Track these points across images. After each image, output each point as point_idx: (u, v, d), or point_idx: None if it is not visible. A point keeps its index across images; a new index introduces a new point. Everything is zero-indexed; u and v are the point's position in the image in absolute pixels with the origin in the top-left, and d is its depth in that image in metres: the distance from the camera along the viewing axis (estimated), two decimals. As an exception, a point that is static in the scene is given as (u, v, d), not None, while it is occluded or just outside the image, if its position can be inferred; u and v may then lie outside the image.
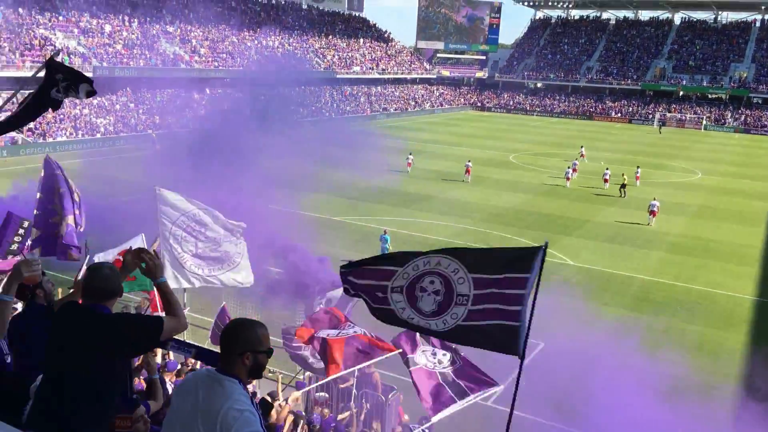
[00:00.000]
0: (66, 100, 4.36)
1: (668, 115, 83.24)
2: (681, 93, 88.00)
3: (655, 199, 30.53)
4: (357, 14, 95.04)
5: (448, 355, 9.88)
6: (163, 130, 42.87)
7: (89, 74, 37.13)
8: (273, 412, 7.56)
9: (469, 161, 39.13)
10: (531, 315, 4.85)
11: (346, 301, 13.10)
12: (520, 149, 53.10)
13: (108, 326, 3.62)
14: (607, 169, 38.98)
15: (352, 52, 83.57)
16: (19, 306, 6.35)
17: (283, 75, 60.06)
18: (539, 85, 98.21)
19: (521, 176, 40.59)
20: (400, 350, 9.90)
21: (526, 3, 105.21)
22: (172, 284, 11.42)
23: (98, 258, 11.02)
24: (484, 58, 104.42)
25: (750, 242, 27.62)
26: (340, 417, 10.11)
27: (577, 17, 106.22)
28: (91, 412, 3.56)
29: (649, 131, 75.51)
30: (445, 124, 72.00)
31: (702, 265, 24.27)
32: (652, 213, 29.88)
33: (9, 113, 4.48)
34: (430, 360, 9.81)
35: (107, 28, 54.33)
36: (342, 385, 10.98)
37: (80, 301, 3.89)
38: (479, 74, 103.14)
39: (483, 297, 4.75)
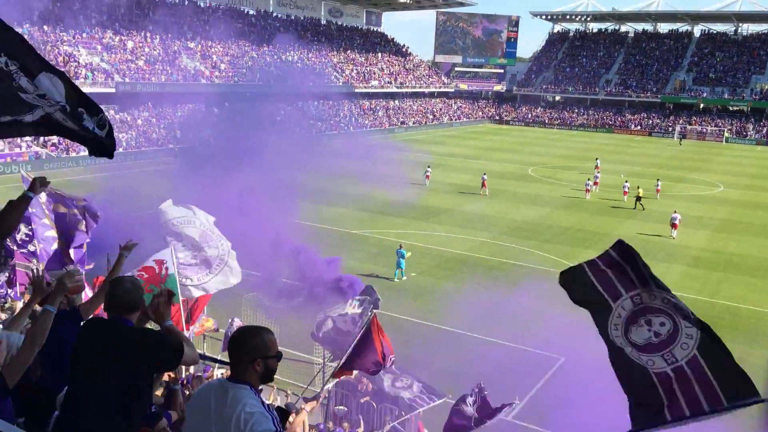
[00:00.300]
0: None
1: (689, 127, 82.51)
2: (701, 105, 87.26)
3: (676, 212, 30.31)
4: (375, 29, 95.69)
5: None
6: (184, 144, 43.36)
7: (111, 90, 37.75)
8: (290, 420, 7.55)
9: (485, 174, 39.10)
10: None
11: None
12: (539, 162, 52.91)
13: (129, 339, 3.66)
14: (626, 181, 38.73)
15: (371, 66, 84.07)
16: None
17: (302, 89, 60.61)
18: (558, 98, 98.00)
19: (540, 189, 40.41)
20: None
21: (543, 17, 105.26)
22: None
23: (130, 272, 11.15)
24: (502, 71, 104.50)
25: (774, 256, 27.20)
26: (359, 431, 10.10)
27: (595, 30, 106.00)
28: (116, 424, 3.60)
29: (669, 144, 74.91)
30: (463, 138, 72.01)
31: (725, 279, 23.95)
32: (673, 225, 29.70)
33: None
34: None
35: (130, 44, 55.24)
36: (362, 400, 10.97)
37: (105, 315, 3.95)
38: (497, 87, 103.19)
39: (683, 377, 4.39)
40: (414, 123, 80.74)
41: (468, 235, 28.16)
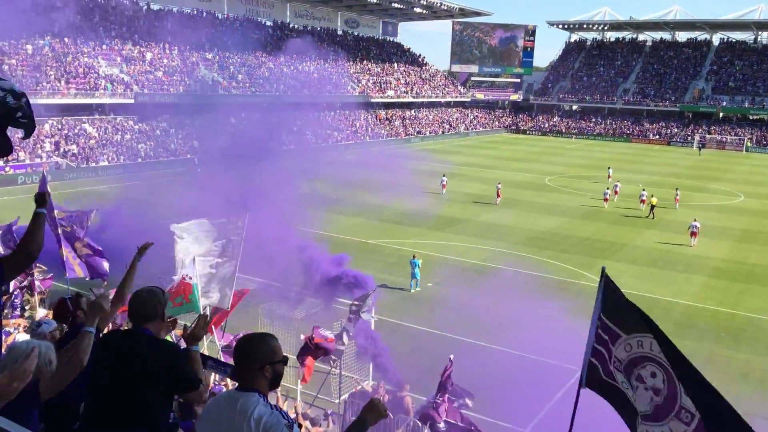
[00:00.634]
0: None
1: (708, 137, 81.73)
2: (721, 114, 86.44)
3: (695, 220, 30.02)
4: (391, 39, 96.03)
5: None
6: (203, 154, 43.72)
7: (130, 101, 38.20)
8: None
9: (499, 184, 38.94)
10: None
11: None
12: (556, 172, 52.64)
13: (145, 348, 3.66)
14: (643, 190, 38.40)
15: (387, 76, 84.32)
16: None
17: (318, 99, 60.87)
18: (575, 107, 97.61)
19: (557, 199, 40.17)
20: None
21: (560, 26, 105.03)
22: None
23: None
24: (518, 80, 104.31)
25: (797, 267, 26.77)
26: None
27: (612, 39, 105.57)
28: None
29: (688, 153, 74.25)
30: (479, 147, 71.89)
31: (746, 290, 23.58)
32: (693, 234, 29.43)
33: None
34: None
35: (148, 55, 55.88)
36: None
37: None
38: (514, 97, 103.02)
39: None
40: (430, 132, 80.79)
41: (484, 245, 28.02)
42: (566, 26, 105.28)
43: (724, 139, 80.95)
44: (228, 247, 11.88)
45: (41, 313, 14.15)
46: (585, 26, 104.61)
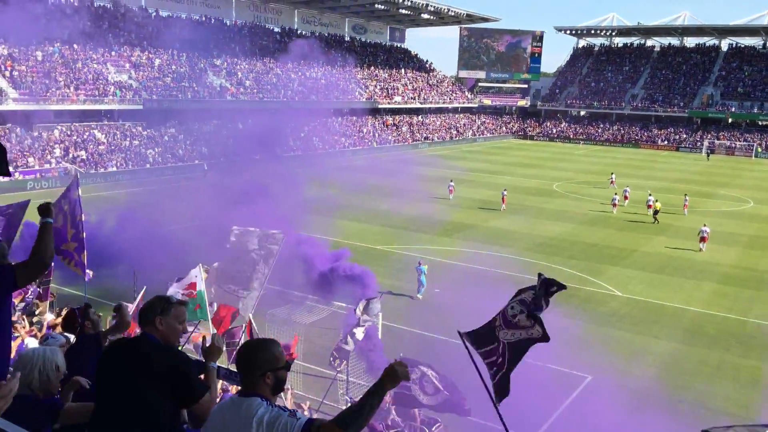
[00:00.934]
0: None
1: (717, 142, 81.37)
2: (730, 120, 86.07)
3: (705, 225, 29.93)
4: (399, 45, 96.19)
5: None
6: (212, 160, 43.93)
7: (139, 106, 38.53)
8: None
9: (504, 190, 38.84)
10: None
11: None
12: (564, 178, 52.50)
13: (147, 352, 3.64)
14: (650, 195, 38.23)
15: (394, 82, 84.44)
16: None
17: (326, 105, 61.04)
18: (582, 113, 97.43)
19: (565, 205, 40.04)
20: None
21: (568, 32, 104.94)
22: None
23: (169, 292, 11.27)
24: (526, 86, 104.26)
25: (807, 273, 26.55)
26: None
27: (620, 45, 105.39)
28: None
29: (697, 159, 73.94)
30: (487, 153, 71.82)
31: (756, 297, 23.40)
32: (702, 239, 29.32)
33: None
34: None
35: (157, 62, 56.19)
36: (388, 419, 10.87)
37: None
38: (521, 103, 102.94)
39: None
40: (438, 138, 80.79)
41: (492, 251, 27.93)
42: (574, 32, 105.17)
43: (733, 145, 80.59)
44: (267, 259, 12.02)
45: (49, 317, 14.19)
46: (593, 32, 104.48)
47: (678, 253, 29.11)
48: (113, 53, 53.42)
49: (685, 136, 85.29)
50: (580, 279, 24.31)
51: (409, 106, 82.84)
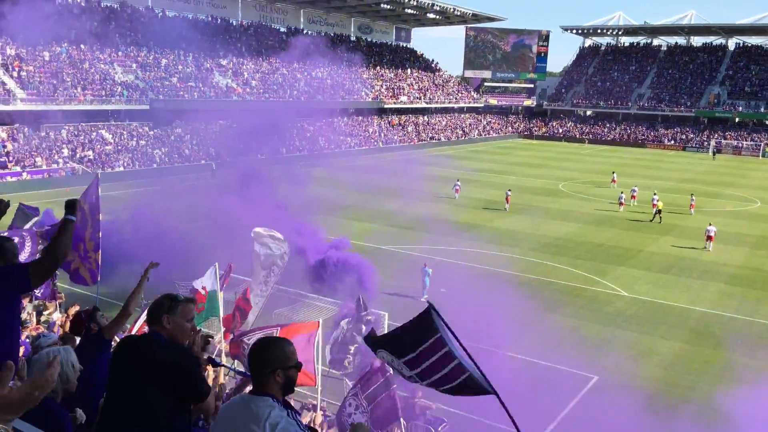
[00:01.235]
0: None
1: (724, 142, 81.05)
2: (737, 119, 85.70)
3: (711, 224, 29.95)
4: (404, 45, 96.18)
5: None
6: (219, 160, 44.08)
7: (146, 107, 38.53)
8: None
9: (509, 190, 38.77)
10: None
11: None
12: (570, 177, 52.40)
13: (153, 351, 3.67)
14: (654, 194, 38.10)
15: (400, 82, 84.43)
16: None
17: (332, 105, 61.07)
18: (589, 112, 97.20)
19: (571, 205, 39.97)
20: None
21: (574, 31, 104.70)
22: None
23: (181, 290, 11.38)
24: (532, 86, 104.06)
25: (815, 274, 26.42)
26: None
27: (627, 44, 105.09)
28: None
29: (703, 158, 73.67)
30: (493, 153, 71.74)
31: (764, 297, 23.30)
32: (709, 238, 29.34)
33: None
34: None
35: (163, 62, 56.35)
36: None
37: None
38: (527, 102, 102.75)
39: (425, 372, 4.79)
40: (444, 138, 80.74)
41: (497, 251, 27.90)
42: (580, 31, 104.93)
43: (740, 145, 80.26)
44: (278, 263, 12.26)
45: (56, 317, 14.26)
46: (599, 31, 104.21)
47: (685, 253, 29.03)
48: (120, 53, 53.61)
49: (692, 135, 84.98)
50: (586, 279, 24.27)
51: (414, 105, 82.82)
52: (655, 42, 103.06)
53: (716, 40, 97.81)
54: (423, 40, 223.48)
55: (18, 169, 39.77)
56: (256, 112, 48.69)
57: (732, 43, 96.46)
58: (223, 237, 18.23)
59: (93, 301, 10.65)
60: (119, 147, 46.89)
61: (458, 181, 41.20)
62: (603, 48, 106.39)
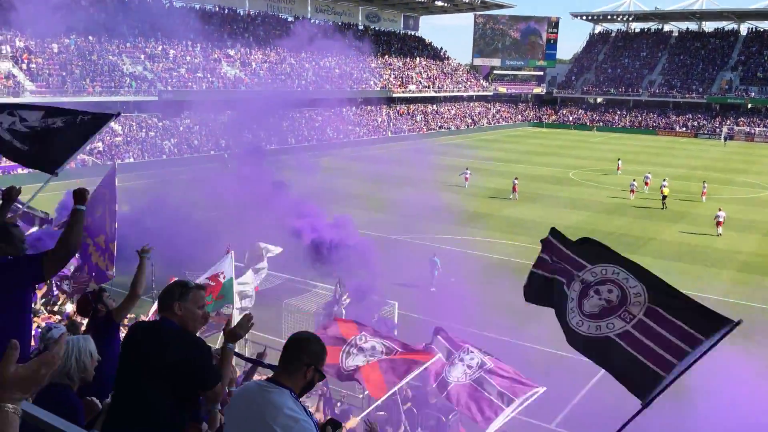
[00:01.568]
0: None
1: (736, 128, 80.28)
2: (749, 105, 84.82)
3: (720, 209, 29.96)
4: (413, 33, 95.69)
5: (476, 357, 9.61)
6: (228, 150, 44.09)
7: (154, 98, 38.36)
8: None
9: (516, 178, 38.55)
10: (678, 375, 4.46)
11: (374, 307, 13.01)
12: (581, 165, 52.10)
13: (165, 339, 3.66)
14: (664, 180, 37.76)
15: (408, 70, 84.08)
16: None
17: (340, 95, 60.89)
18: (599, 100, 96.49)
19: (582, 193, 39.75)
20: (436, 357, 9.63)
21: (584, 17, 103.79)
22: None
23: (198, 279, 11.37)
24: (541, 73, 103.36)
25: (829, 260, 26.17)
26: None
27: (637, 30, 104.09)
28: (161, 427, 3.59)
29: (714, 145, 73.00)
30: (502, 141, 71.42)
31: (777, 284, 23.12)
32: (718, 223, 29.33)
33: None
34: (462, 370, 9.48)
35: (171, 53, 56.35)
36: (404, 407, 10.86)
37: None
38: (537, 90, 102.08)
39: (647, 330, 4.42)
40: (453, 127, 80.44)
41: (508, 240, 27.83)
42: (590, 17, 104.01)
43: (752, 131, 79.48)
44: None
45: (69, 308, 14.35)
46: (609, 17, 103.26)
47: (697, 240, 28.82)
48: (128, 45, 53.64)
49: (703, 122, 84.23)
50: (597, 267, 24.11)
51: (423, 94, 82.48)
52: (666, 28, 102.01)
53: (728, 25, 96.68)
54: (431, 28, 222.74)
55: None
56: (262, 100, 48.60)
57: (744, 28, 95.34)
58: (236, 226, 18.26)
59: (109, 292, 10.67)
60: (128, 138, 47.02)
61: (467, 169, 41.06)
62: (613, 34, 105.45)
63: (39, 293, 13.81)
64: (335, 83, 67.82)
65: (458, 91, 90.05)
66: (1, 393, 1.92)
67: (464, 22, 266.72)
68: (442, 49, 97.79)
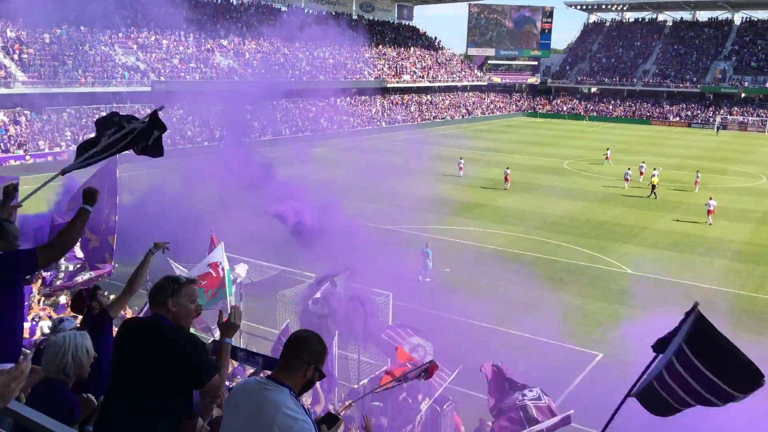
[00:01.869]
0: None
1: (730, 118, 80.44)
2: (743, 95, 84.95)
3: (711, 198, 30.22)
4: (407, 23, 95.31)
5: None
6: (226, 141, 43.92)
7: (147, 88, 38.08)
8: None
9: (507, 168, 38.55)
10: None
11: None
12: (575, 155, 52.16)
13: (159, 336, 3.64)
14: (655, 169, 37.77)
15: (402, 60, 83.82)
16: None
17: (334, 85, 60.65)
18: (593, 89, 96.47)
19: (576, 183, 39.83)
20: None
21: (578, 7, 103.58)
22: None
23: (190, 272, 11.31)
24: (536, 63, 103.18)
25: (821, 249, 26.34)
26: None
27: (632, 20, 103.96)
28: (156, 426, 3.59)
29: (707, 134, 73.16)
30: (497, 131, 71.40)
31: (769, 273, 23.27)
32: (709, 212, 29.59)
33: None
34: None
35: (164, 43, 56.00)
36: (400, 397, 10.92)
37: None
38: (531, 80, 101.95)
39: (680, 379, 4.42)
40: (447, 117, 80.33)
41: (502, 230, 27.89)
42: (584, 7, 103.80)
43: (746, 120, 79.66)
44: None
45: (63, 299, 14.34)
46: (604, 7, 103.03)
47: (689, 229, 28.95)
48: (120, 35, 53.25)
49: (697, 112, 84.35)
50: (591, 257, 24.24)
51: (417, 84, 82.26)
52: (660, 17, 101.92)
53: (722, 15, 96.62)
54: (425, 18, 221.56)
55: (21, 152, 39.74)
56: (255, 90, 48.34)
57: (738, 18, 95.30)
58: (228, 218, 18.23)
59: (107, 286, 10.65)
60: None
61: (462, 159, 41.07)
62: (607, 24, 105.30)
63: (35, 287, 13.79)
64: (329, 73, 67.55)
65: (452, 81, 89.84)
66: None
67: (459, 12, 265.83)
68: (436, 38, 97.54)
